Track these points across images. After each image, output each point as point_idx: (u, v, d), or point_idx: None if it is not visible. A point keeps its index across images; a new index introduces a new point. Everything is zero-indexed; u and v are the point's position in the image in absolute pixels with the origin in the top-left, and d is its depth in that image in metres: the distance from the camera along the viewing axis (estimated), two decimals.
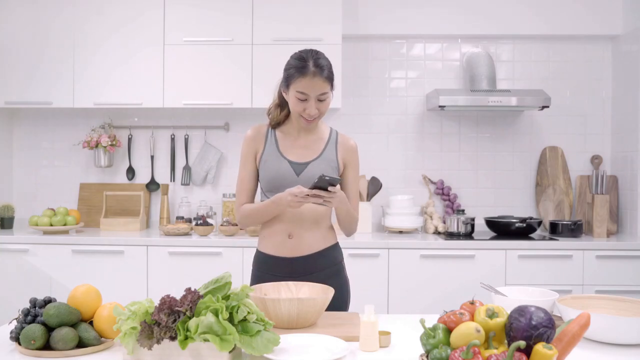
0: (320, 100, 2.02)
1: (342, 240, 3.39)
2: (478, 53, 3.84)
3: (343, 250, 3.32)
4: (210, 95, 3.62)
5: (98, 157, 3.88)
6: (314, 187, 1.89)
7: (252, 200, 2.16)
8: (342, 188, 2.15)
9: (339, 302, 2.07)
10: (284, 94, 2.08)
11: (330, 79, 2.02)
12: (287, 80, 2.02)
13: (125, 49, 3.63)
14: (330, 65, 2.04)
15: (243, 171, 2.15)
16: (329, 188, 1.90)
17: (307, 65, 1.98)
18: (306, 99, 2.00)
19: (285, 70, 2.04)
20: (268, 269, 2.11)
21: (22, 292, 3.32)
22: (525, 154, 3.98)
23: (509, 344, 1.28)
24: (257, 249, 2.19)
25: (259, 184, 2.17)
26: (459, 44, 3.98)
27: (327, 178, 1.86)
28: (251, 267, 2.20)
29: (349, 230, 2.19)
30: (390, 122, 3.99)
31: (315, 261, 2.09)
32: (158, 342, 1.38)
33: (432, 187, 3.99)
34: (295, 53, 2.05)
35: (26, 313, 1.57)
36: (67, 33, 3.64)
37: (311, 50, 2.04)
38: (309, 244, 2.09)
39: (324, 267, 2.11)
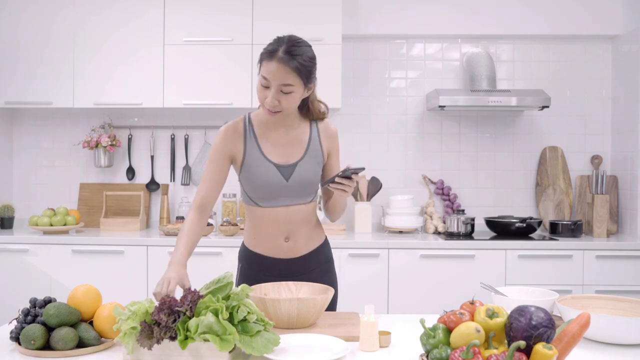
0: (283, 92, 1.83)
1: (342, 240, 3.42)
2: (478, 53, 3.84)
3: (343, 250, 3.36)
4: (210, 95, 3.62)
5: (98, 157, 3.88)
6: (340, 177, 1.82)
7: (206, 202, 1.97)
8: (328, 174, 2.07)
9: (332, 299, 2.05)
10: None
11: (299, 70, 1.81)
12: (259, 62, 1.86)
13: (125, 49, 3.63)
14: (308, 57, 1.84)
15: (209, 170, 1.98)
16: (352, 176, 1.82)
17: (277, 49, 1.80)
18: (268, 87, 1.83)
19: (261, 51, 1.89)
20: (262, 268, 2.05)
21: (22, 292, 3.32)
22: (525, 154, 3.98)
23: (509, 344, 1.28)
24: (246, 247, 2.09)
25: (243, 190, 2.02)
26: (459, 44, 3.98)
27: (351, 170, 1.79)
28: (238, 264, 2.13)
29: (339, 216, 2.11)
30: (390, 122, 3.99)
31: (311, 260, 2.07)
32: (158, 342, 1.38)
33: (432, 187, 3.99)
34: (277, 36, 1.88)
35: (26, 313, 1.57)
36: (67, 33, 3.64)
37: (292, 36, 1.86)
38: (304, 244, 2.04)
39: (318, 265, 2.09)
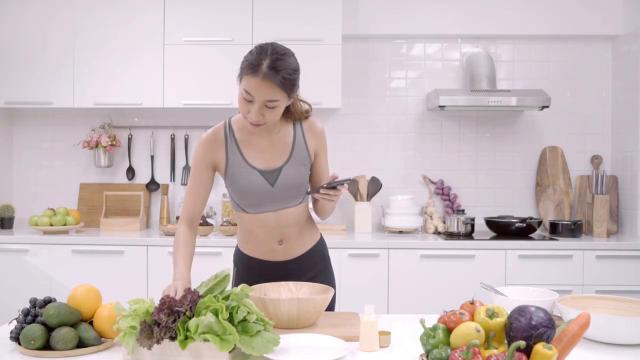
0: (267, 107, 1.77)
1: (342, 240, 3.42)
2: (478, 53, 3.84)
3: (343, 250, 3.35)
4: (210, 95, 3.62)
5: (98, 157, 3.88)
6: (325, 188, 1.80)
7: (193, 215, 1.95)
8: (317, 175, 2.04)
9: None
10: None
11: (283, 85, 1.74)
12: (240, 74, 1.78)
13: (125, 49, 3.63)
14: (292, 70, 1.77)
15: (192, 181, 1.94)
16: (338, 187, 1.80)
17: (261, 63, 1.72)
18: (252, 101, 1.76)
19: (242, 61, 1.79)
20: (257, 271, 2.02)
21: (22, 292, 3.32)
22: (525, 154, 3.98)
23: (509, 344, 1.28)
24: (241, 251, 2.07)
25: (230, 196, 1.99)
26: (459, 44, 3.98)
27: (337, 181, 1.78)
28: (234, 267, 2.11)
29: (328, 216, 2.09)
30: (390, 122, 3.99)
31: (306, 261, 2.05)
32: (158, 342, 1.38)
33: (432, 187, 3.99)
34: (258, 45, 1.79)
35: (26, 313, 1.57)
36: (67, 33, 3.64)
37: (275, 47, 1.77)
38: (299, 245, 2.03)
39: (314, 264, 2.07)
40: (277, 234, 1.98)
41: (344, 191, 1.85)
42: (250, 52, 1.78)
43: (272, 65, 1.72)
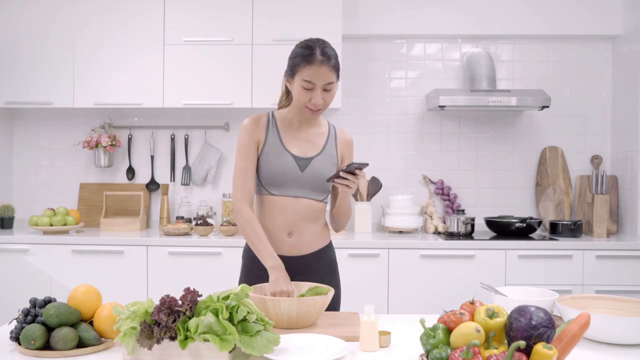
0: (326, 90, 1.98)
1: (342, 240, 3.42)
2: (478, 53, 3.84)
3: (343, 250, 3.36)
4: (210, 95, 3.63)
5: (98, 157, 3.88)
6: (343, 171, 1.87)
7: (252, 196, 2.06)
8: None
9: (333, 302, 2.06)
10: (287, 84, 2.05)
11: (336, 68, 1.99)
12: (293, 69, 1.98)
13: (125, 49, 3.63)
14: (337, 55, 2.02)
15: (243, 162, 2.03)
16: (356, 171, 1.88)
17: (314, 53, 1.95)
18: (312, 88, 1.96)
19: (291, 58, 2.01)
20: (264, 267, 2.02)
21: (22, 292, 3.33)
22: (525, 154, 3.98)
23: (509, 344, 1.28)
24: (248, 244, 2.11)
25: (258, 179, 2.07)
26: (459, 44, 3.98)
27: (355, 164, 1.85)
28: (241, 261, 2.15)
29: (343, 224, 2.17)
30: (390, 122, 3.99)
31: (313, 261, 2.07)
32: (158, 342, 1.38)
33: (432, 187, 3.99)
34: (302, 42, 2.02)
35: (26, 313, 1.57)
36: (67, 33, 3.64)
37: (318, 39, 2.01)
38: (308, 243, 2.06)
39: (321, 266, 2.10)
40: (290, 223, 2.03)
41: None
42: (298, 48, 1.99)
43: (324, 52, 1.96)
